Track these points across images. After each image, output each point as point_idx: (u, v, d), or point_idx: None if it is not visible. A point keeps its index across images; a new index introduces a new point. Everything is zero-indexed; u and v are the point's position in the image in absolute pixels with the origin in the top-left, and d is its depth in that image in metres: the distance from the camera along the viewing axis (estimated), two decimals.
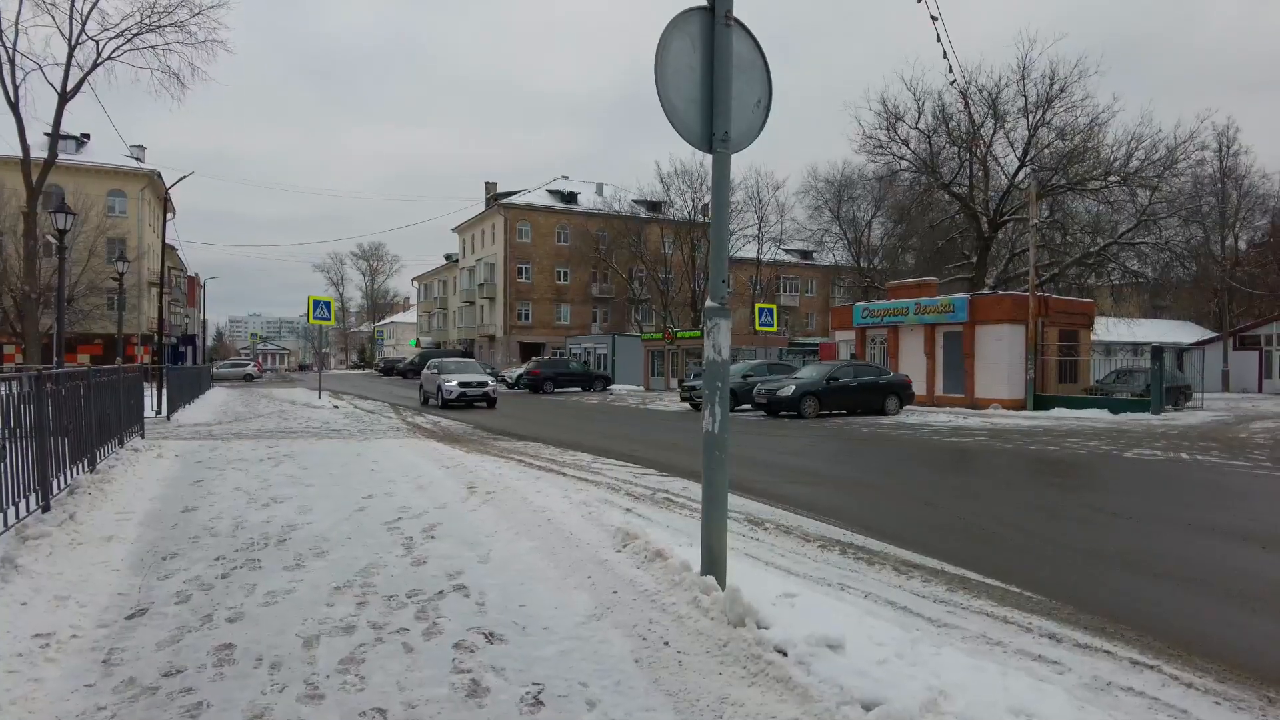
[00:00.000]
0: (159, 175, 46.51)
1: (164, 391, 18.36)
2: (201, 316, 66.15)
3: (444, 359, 28.84)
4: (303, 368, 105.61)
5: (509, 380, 41.67)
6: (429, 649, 3.76)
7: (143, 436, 12.40)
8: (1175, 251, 35.81)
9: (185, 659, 3.61)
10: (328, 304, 26.97)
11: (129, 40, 26.30)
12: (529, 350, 57.19)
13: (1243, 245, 48.42)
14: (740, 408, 24.48)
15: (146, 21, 26.20)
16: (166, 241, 31.78)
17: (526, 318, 60.69)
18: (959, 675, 3.24)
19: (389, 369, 63.53)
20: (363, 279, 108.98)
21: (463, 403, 24.60)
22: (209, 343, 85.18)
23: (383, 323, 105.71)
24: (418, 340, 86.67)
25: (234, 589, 4.69)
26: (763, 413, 22.76)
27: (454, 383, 24.42)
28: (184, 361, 48.50)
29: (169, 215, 43.28)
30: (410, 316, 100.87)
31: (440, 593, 4.64)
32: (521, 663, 3.58)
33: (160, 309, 28.85)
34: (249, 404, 24.47)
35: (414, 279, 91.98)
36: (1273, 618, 4.72)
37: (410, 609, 4.35)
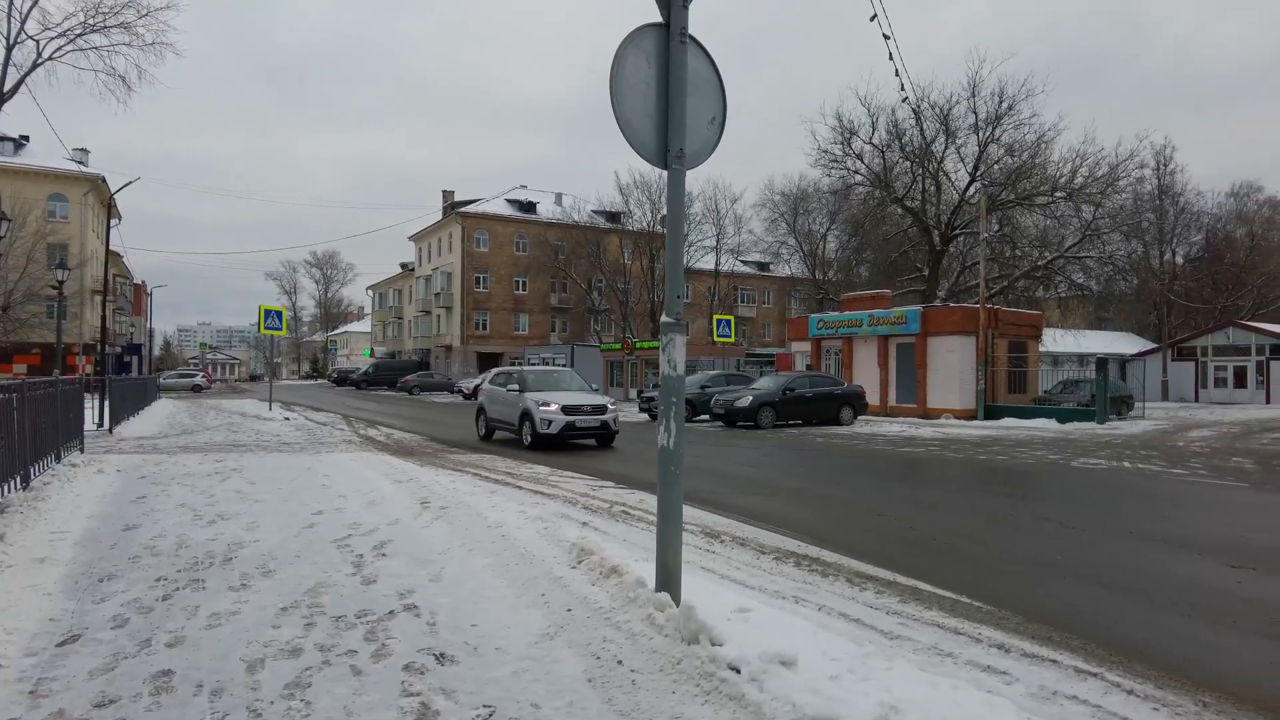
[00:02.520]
0: (103, 179, 45.16)
1: (106, 403, 17.77)
2: (148, 325, 64.30)
3: (522, 368, 19.03)
4: (254, 378, 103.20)
5: (465, 391, 41.22)
6: (378, 671, 3.67)
7: (82, 451, 11.98)
8: (1118, 265, 36.98)
9: (120, 688, 3.47)
10: (279, 313, 26.39)
11: (71, 41, 25.50)
12: (487, 360, 56.68)
13: (1180, 260, 50.27)
14: (698, 418, 24.61)
15: (90, 22, 25.44)
16: (111, 248, 30.86)
17: (484, 327, 60.20)
18: (910, 689, 3.27)
19: (342, 379, 62.44)
20: (316, 287, 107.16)
21: (569, 439, 15.49)
22: (156, 352, 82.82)
23: (336, 332, 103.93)
24: (372, 350, 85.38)
25: (175, 611, 4.54)
26: (720, 423, 22.87)
27: (554, 407, 15.11)
28: (129, 372, 47.08)
29: (114, 221, 41.93)
30: (365, 326, 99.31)
31: (390, 613, 4.55)
32: (473, 684, 3.52)
33: (103, 317, 27.92)
34: (197, 416, 23.82)
35: (369, 288, 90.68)
36: (1207, 624, 4.87)
37: (359, 630, 4.25)
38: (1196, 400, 39.70)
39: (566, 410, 15.04)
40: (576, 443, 15.86)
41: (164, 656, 3.84)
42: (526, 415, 15.36)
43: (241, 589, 5.01)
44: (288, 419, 22.36)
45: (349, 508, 7.94)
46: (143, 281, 65.63)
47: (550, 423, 14.94)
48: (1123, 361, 36.13)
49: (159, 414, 24.64)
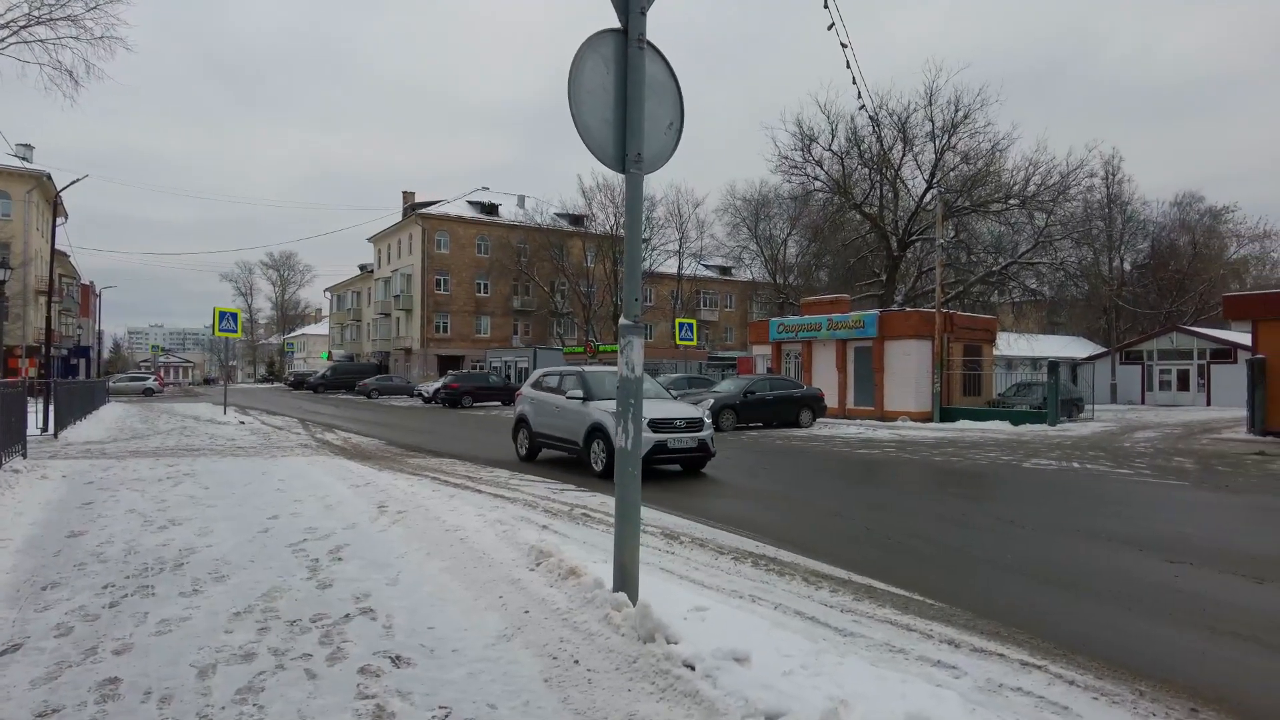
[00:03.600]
0: (49, 177, 43.82)
1: (51, 407, 17.26)
2: (97, 327, 62.55)
3: (584, 368, 13.49)
4: (208, 381, 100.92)
5: (425, 395, 40.78)
6: (333, 675, 3.65)
7: (25, 456, 11.62)
8: (1069, 271, 37.98)
9: (63, 697, 3.40)
10: (235, 315, 25.90)
11: (15, 33, 24.72)
12: (447, 363, 56.20)
13: (1128, 267, 51.84)
14: None
15: (35, 14, 24.67)
16: (57, 247, 29.94)
17: (444, 330, 59.66)
18: (860, 684, 3.35)
19: (299, 383, 61.34)
20: (273, 289, 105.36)
21: (657, 464, 11.93)
22: (105, 355, 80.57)
23: (293, 335, 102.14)
24: (329, 353, 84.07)
25: (123, 618, 4.45)
26: None
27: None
28: (76, 375, 45.72)
29: (60, 219, 40.76)
30: (322, 328, 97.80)
31: (346, 616, 4.51)
32: (429, 686, 3.52)
33: (48, 319, 27.07)
34: (148, 420, 23.23)
35: (327, 289, 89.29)
36: (1146, 617, 5.05)
37: (314, 634, 4.21)
38: (1143, 402, 40.90)
39: (655, 426, 11.24)
40: (663, 468, 12.18)
41: (111, 664, 3.76)
42: (598, 431, 11.55)
43: (193, 594, 4.92)
44: (243, 423, 21.93)
45: (305, 512, 7.84)
46: (91, 282, 63.85)
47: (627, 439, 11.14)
48: (1074, 365, 37.12)
49: (108, 418, 23.98)
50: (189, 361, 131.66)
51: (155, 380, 57.21)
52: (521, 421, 13.81)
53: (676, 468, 12.41)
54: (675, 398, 13.87)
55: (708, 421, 12.06)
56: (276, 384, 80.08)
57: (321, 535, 6.71)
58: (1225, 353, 37.89)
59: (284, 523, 7.29)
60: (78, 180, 25.67)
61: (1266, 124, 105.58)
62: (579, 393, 12.20)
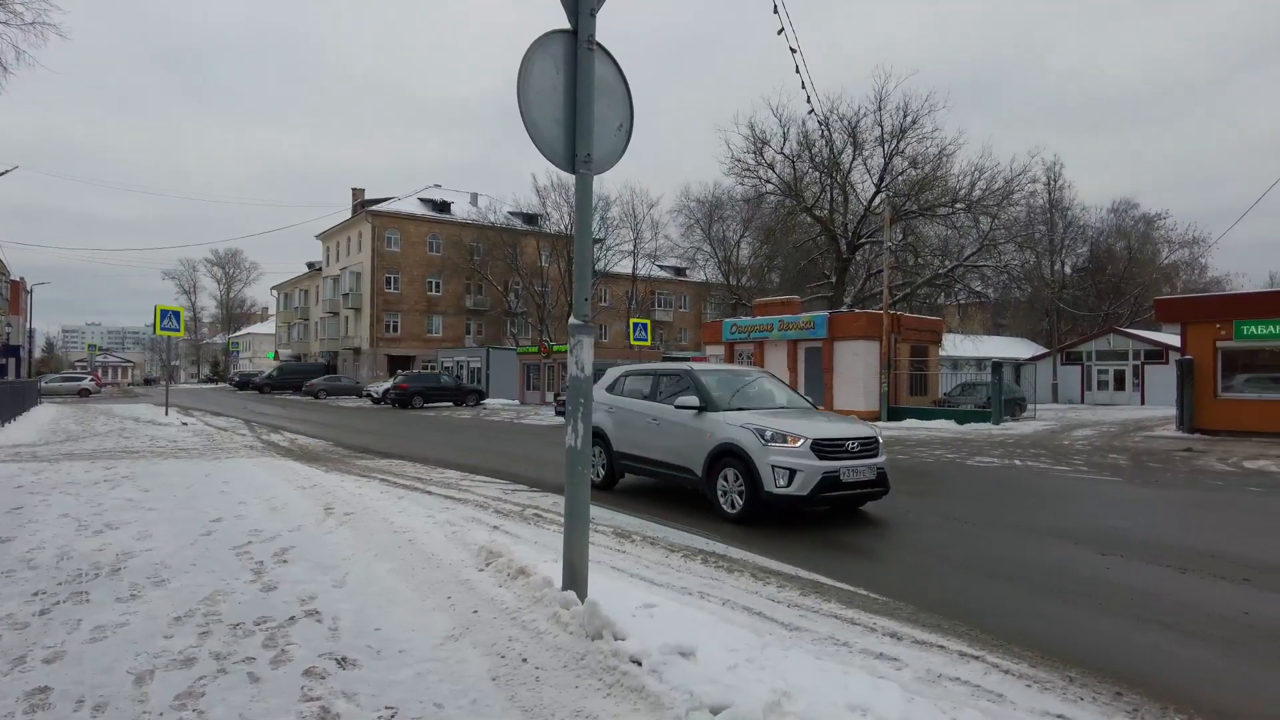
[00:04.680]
0: None
1: None
2: (27, 325, 60.18)
3: (693, 366, 9.99)
4: (149, 382, 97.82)
5: (375, 395, 40.16)
6: (276, 678, 3.60)
7: None
8: (1013, 274, 39.06)
9: None
10: (177, 313, 25.16)
11: None
12: (397, 363, 55.42)
13: (1068, 270, 53.49)
14: None
15: None
16: None
17: (395, 329, 58.81)
18: (804, 676, 3.43)
19: (245, 383, 59.90)
20: (217, 287, 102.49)
21: (824, 503, 8.10)
22: (37, 354, 77.54)
23: (239, 334, 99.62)
24: (276, 353, 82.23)
25: (54, 626, 4.32)
26: None
27: (800, 443, 7.84)
28: (5, 375, 43.96)
29: None
30: (269, 327, 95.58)
31: (291, 619, 4.45)
32: (375, 687, 3.49)
33: None
34: (83, 421, 22.46)
35: (273, 288, 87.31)
36: (1078, 607, 5.24)
37: (258, 637, 4.14)
38: (1082, 401, 42.28)
39: (822, 450, 7.82)
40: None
41: (41, 673, 3.65)
42: (728, 456, 8.18)
43: (130, 600, 4.80)
44: (185, 424, 21.34)
45: (250, 514, 7.68)
46: (21, 278, 61.39)
47: (794, 474, 7.66)
48: (1017, 365, 38.10)
49: (40, 420, 23.12)
50: (129, 361, 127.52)
51: (92, 380, 55.25)
52: (601, 438, 10.40)
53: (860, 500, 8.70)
54: (811, 405, 9.85)
55: (881, 441, 8.52)
56: (221, 384, 78.05)
57: (267, 537, 6.59)
58: (1158, 354, 39.37)
59: (228, 525, 7.14)
60: (6, 172, 24.67)
61: (1195, 136, 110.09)
62: (692, 400, 8.85)
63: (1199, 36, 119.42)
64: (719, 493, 8.32)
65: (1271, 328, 19.77)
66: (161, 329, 24.52)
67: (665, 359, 47.27)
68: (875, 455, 8.27)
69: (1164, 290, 51.44)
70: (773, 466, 7.71)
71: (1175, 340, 27.61)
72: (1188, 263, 57.86)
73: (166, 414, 24.64)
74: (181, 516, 7.56)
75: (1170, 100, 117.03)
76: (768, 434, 7.87)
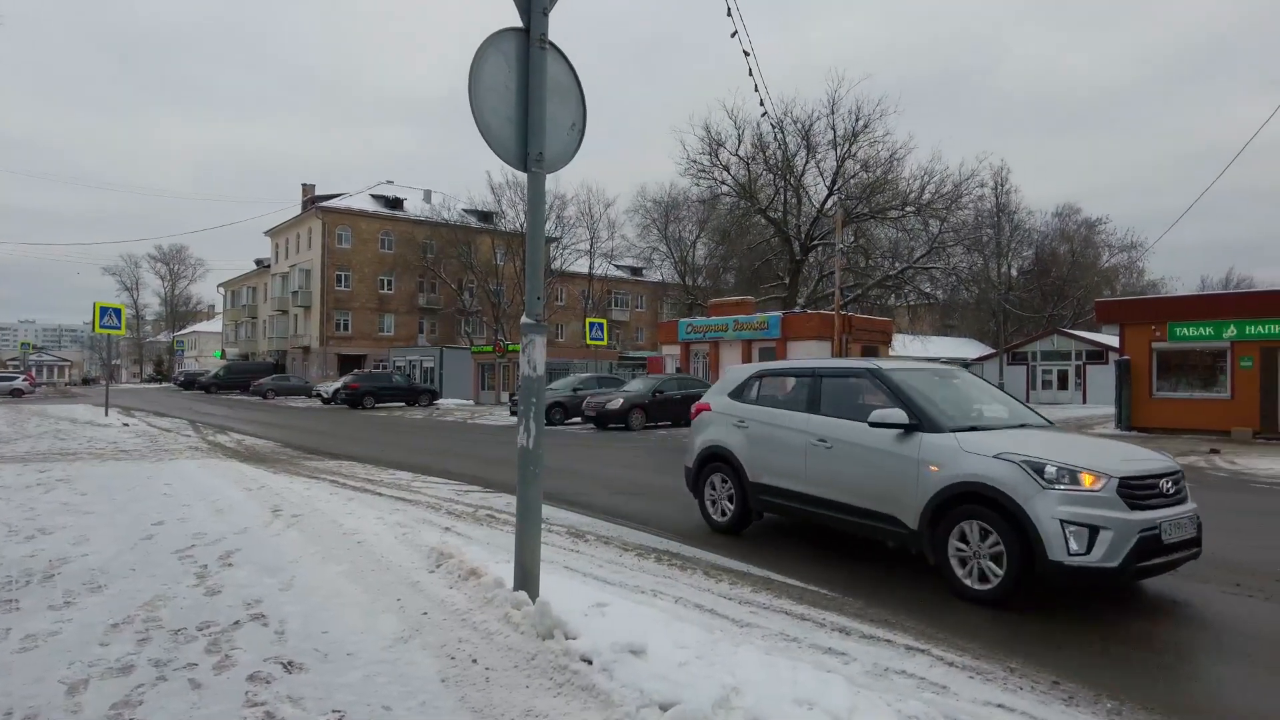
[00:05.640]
0: None
1: None
2: None
3: (879, 363, 6.87)
4: (88, 381, 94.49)
5: (325, 395, 39.43)
6: (219, 683, 3.52)
7: None
8: (961, 276, 39.99)
9: None
10: (118, 311, 24.34)
11: None
12: (348, 363, 54.46)
13: (1014, 273, 54.92)
14: (570, 421, 24.72)
15: None
16: None
17: (345, 328, 57.78)
18: (753, 672, 3.47)
19: (190, 382, 58.24)
20: (162, 284, 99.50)
21: (1142, 575, 5.31)
22: None
23: (184, 332, 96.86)
24: (223, 351, 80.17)
25: None
26: (592, 425, 23.04)
27: (1100, 484, 5.08)
28: None
29: None
30: (215, 326, 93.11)
31: (236, 623, 4.35)
32: (322, 690, 3.44)
33: None
34: (15, 423, 21.61)
35: (220, 285, 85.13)
36: (1023, 602, 5.38)
37: (200, 642, 4.05)
38: (1028, 401, 43.39)
39: (1131, 493, 5.21)
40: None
41: None
42: (972, 503, 5.50)
43: (64, 607, 4.64)
44: (127, 425, 20.68)
45: (194, 517, 7.49)
46: None
47: (1095, 533, 5.01)
48: (964, 365, 39.00)
49: None
50: (65, 360, 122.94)
51: (25, 380, 53.09)
52: (715, 458, 7.78)
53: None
54: (1038, 415, 6.85)
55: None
56: (166, 384, 75.83)
57: (211, 540, 6.43)
58: (1099, 354, 40.62)
59: (170, 528, 6.95)
60: None
61: (1135, 145, 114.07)
62: (897, 416, 6.03)
63: (1142, 48, 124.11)
64: (953, 558, 5.52)
65: (1201, 329, 20.59)
66: (101, 327, 23.71)
67: (622, 359, 47.34)
68: (1187, 497, 5.62)
69: (1104, 293, 53.10)
70: (1061, 522, 5.00)
71: (1115, 341, 28.54)
72: (1126, 266, 59.90)
73: (106, 414, 23.84)
74: (121, 520, 7.34)
75: (1113, 109, 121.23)
76: (1048, 470, 5.16)
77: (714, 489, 7.84)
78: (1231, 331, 20.07)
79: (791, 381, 7.61)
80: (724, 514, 7.68)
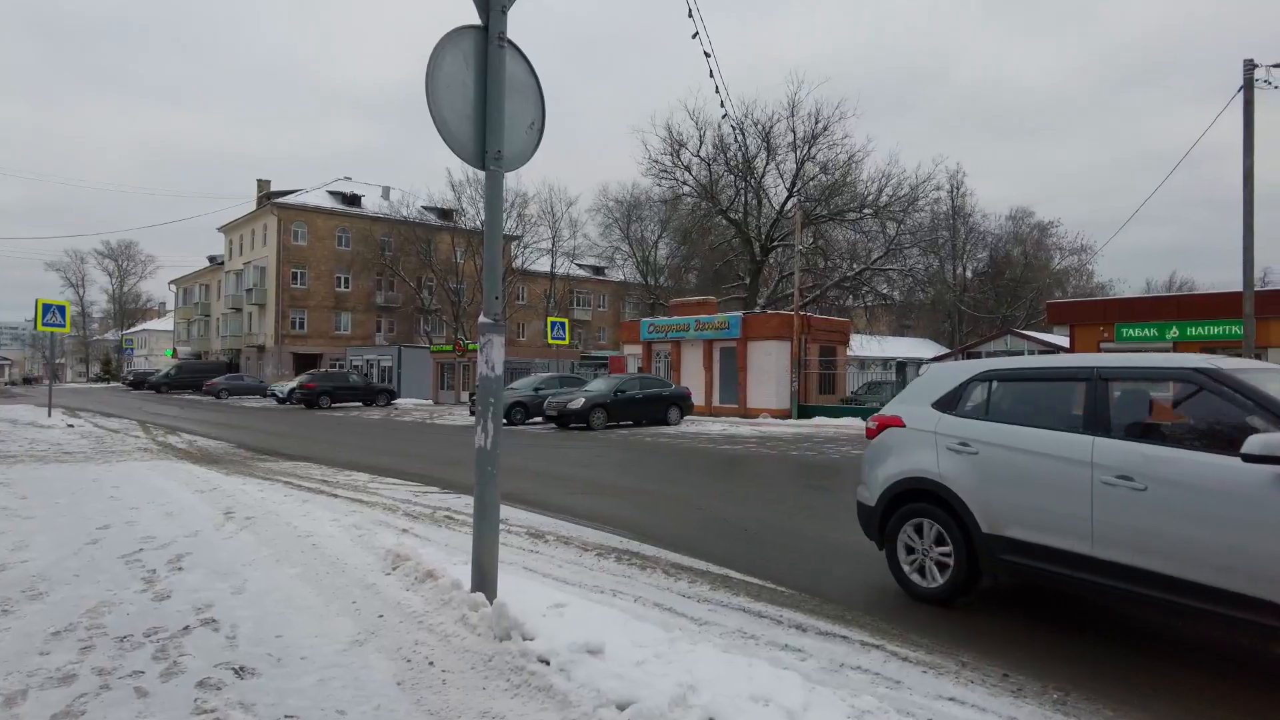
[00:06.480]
0: None
1: None
2: None
3: (1219, 364, 4.25)
4: (29, 380, 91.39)
5: (280, 395, 38.71)
6: (167, 691, 3.44)
7: None
8: (917, 278, 40.69)
9: None
10: (62, 308, 23.59)
11: None
12: (304, 362, 53.48)
13: (969, 274, 56.10)
14: (531, 421, 24.61)
15: None
16: None
17: (301, 326, 56.76)
18: (710, 670, 3.49)
19: (140, 382, 56.74)
20: (110, 281, 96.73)
21: None
22: None
23: (133, 330, 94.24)
24: (174, 350, 78.20)
25: None
26: (554, 425, 22.96)
27: None
28: None
29: None
30: (166, 324, 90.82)
31: (186, 628, 4.26)
32: (274, 696, 3.38)
33: None
34: None
35: (171, 282, 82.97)
36: (975, 599, 5.50)
37: (148, 649, 3.95)
38: None
39: None
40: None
41: None
42: None
43: (2, 615, 4.49)
44: (71, 426, 20.06)
45: (142, 520, 7.30)
46: None
47: None
48: (920, 365, 39.66)
49: None
50: (5, 359, 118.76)
51: None
52: (917, 496, 5.46)
53: None
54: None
55: None
56: (114, 384, 73.71)
57: (160, 544, 6.28)
58: (1051, 354, 41.63)
59: (117, 532, 6.76)
60: None
61: (1085, 150, 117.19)
62: None
63: (1092, 55, 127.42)
64: None
65: (1146, 330, 21.25)
66: (44, 324, 22.95)
67: (584, 359, 47.21)
68: None
69: (1056, 294, 54.41)
70: None
71: (1066, 342, 29.28)
72: (1077, 269, 61.47)
73: (49, 415, 23.08)
74: (64, 524, 7.12)
75: (1065, 114, 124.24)
76: None
77: (915, 540, 5.43)
78: (1174, 333, 20.75)
79: (1042, 386, 5.24)
80: (934, 578, 5.29)
